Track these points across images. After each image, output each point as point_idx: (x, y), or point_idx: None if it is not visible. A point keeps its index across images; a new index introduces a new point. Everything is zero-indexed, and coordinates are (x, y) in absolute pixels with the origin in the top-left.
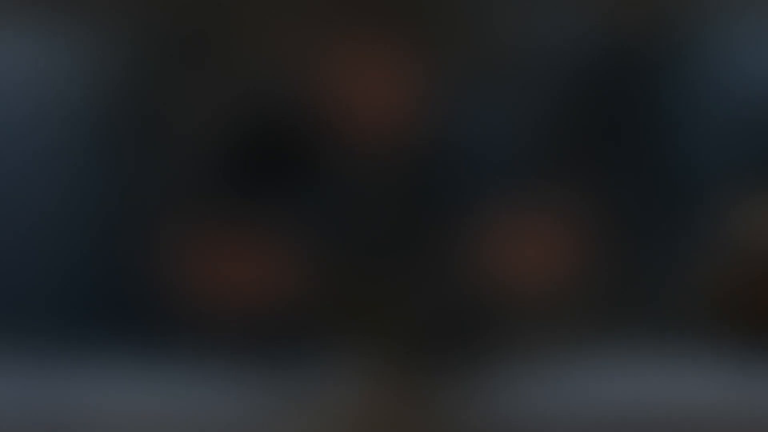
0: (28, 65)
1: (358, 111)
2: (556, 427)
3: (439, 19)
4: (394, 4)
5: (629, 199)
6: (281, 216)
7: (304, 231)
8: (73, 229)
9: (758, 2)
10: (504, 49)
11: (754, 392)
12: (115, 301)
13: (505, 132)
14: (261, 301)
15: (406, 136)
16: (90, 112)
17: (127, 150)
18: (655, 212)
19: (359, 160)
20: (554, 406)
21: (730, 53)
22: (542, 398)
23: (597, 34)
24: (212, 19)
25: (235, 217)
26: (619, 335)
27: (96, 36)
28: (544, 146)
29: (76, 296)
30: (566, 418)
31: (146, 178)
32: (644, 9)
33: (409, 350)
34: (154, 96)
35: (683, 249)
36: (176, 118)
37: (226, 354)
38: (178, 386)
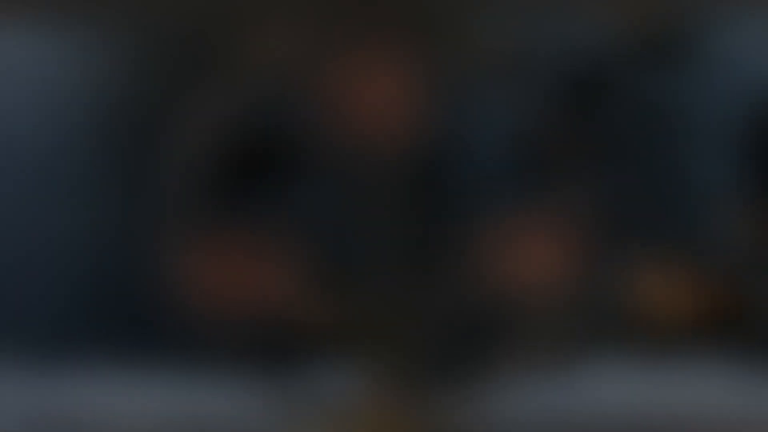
0: (29, 79)
1: (360, 124)
2: None
3: (442, 27)
4: (398, 13)
5: (629, 204)
6: (287, 228)
7: (310, 242)
8: (76, 239)
9: (755, 8)
10: (505, 57)
11: (753, 397)
12: (124, 312)
13: (507, 141)
14: (267, 312)
15: (409, 149)
16: (94, 117)
17: (133, 161)
18: (655, 216)
19: (364, 175)
20: (559, 413)
21: (719, 65)
22: (547, 406)
23: (595, 41)
24: (218, 26)
25: (242, 229)
26: (619, 344)
27: (98, 46)
28: (545, 154)
29: (80, 304)
30: (572, 426)
31: (154, 189)
32: (638, 17)
33: (415, 359)
34: (163, 106)
35: (680, 253)
36: (183, 129)
37: (232, 364)
38: (185, 395)
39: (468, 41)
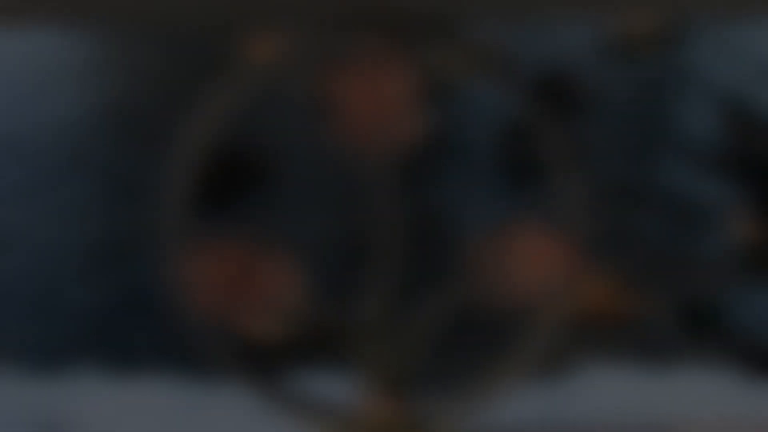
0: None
1: (357, 131)
2: None
3: (437, 34)
4: (398, 24)
5: (625, 211)
6: (285, 236)
7: (307, 250)
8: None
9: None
10: (498, 63)
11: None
12: (124, 321)
13: (500, 148)
14: (266, 317)
15: (405, 155)
16: (101, 122)
17: (132, 167)
18: (652, 223)
19: (359, 182)
20: (552, 418)
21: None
22: (541, 411)
23: (587, 50)
24: (216, 32)
25: (239, 238)
26: (615, 353)
27: (95, 52)
28: (534, 160)
29: (77, 312)
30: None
31: (151, 198)
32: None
33: (410, 365)
34: (159, 114)
35: (674, 261)
36: (179, 135)
37: (228, 371)
38: (184, 400)
39: (463, 48)
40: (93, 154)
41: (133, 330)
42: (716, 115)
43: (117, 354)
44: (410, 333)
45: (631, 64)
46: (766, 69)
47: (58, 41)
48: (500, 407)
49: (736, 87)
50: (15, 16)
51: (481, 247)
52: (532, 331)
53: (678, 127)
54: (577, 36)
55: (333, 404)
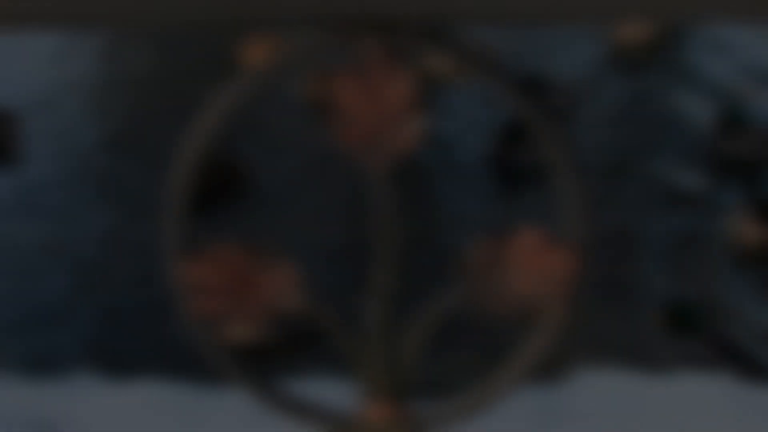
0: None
1: (354, 136)
2: None
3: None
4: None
5: (623, 220)
6: (281, 239)
7: (303, 254)
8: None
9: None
10: (501, 73)
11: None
12: (123, 324)
13: (494, 156)
14: (262, 322)
15: (403, 160)
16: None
17: (128, 171)
18: (649, 232)
19: (357, 193)
20: (550, 424)
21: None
22: (538, 416)
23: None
24: (214, 33)
25: (235, 240)
26: (610, 362)
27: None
28: (538, 175)
29: (76, 314)
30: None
31: (148, 201)
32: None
33: (407, 371)
34: (164, 121)
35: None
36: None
37: (224, 374)
38: (181, 404)
39: (460, 53)
40: (90, 156)
41: (132, 333)
42: (709, 118)
43: (116, 356)
44: (408, 337)
45: (626, 69)
46: (760, 72)
47: (56, 41)
48: (498, 410)
49: (729, 90)
50: (13, 16)
51: (478, 251)
52: (529, 334)
53: (670, 132)
54: (574, 41)
55: (331, 408)
